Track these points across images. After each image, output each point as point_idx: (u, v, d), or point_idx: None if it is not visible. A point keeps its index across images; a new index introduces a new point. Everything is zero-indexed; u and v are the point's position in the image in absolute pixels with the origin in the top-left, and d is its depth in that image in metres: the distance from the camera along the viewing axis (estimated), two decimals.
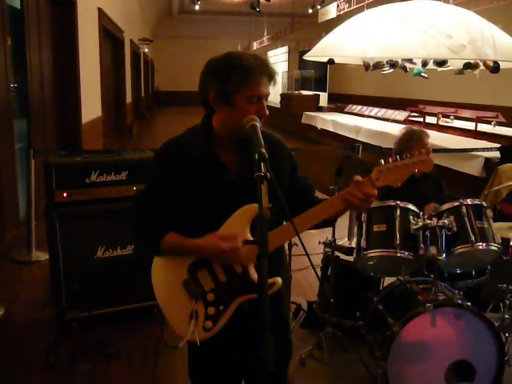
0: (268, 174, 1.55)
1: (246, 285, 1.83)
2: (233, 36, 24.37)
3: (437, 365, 2.78)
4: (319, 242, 3.40)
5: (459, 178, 6.75)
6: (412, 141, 3.50)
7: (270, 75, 1.79)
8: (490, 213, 2.99)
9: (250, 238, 1.82)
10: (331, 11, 12.99)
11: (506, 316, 3.44)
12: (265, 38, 20.83)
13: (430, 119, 10.73)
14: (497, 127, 9.24)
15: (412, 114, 11.32)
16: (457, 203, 2.94)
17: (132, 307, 3.72)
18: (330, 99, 18.55)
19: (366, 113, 12.73)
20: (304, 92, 18.81)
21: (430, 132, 9.15)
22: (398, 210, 2.90)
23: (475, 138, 8.76)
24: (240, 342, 2.00)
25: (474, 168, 6.50)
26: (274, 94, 20.85)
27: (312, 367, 3.32)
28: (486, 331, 2.75)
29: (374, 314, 3.07)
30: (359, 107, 13.43)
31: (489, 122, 9.46)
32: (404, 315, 2.72)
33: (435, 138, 8.44)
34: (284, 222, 1.89)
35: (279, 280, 1.84)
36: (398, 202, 2.94)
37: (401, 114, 11.03)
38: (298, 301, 3.91)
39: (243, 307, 1.87)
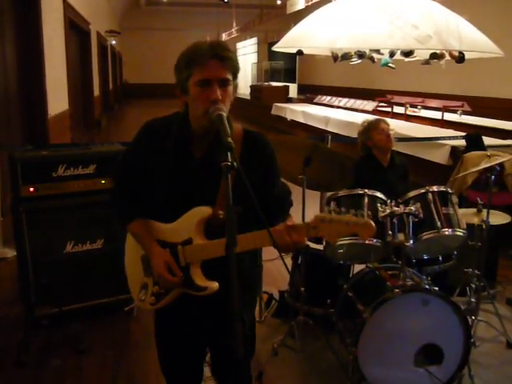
0: (235, 163, 1.54)
1: (185, 279, 1.87)
2: (201, 27, 24.18)
3: (406, 349, 2.83)
4: None
5: (427, 166, 6.84)
6: (370, 130, 3.61)
7: (220, 57, 1.73)
8: (455, 199, 3.05)
9: (200, 238, 1.85)
10: (299, 2, 12.98)
11: (473, 299, 3.53)
12: (233, 30, 20.74)
13: (398, 109, 10.83)
14: (463, 116, 9.39)
15: (380, 104, 11.42)
16: (423, 190, 2.99)
17: (103, 302, 3.70)
18: (300, 90, 18.60)
19: (336, 103, 12.81)
20: (274, 83, 18.80)
21: (398, 122, 9.22)
22: (366, 198, 2.94)
23: (442, 127, 8.88)
24: (206, 327, 2.04)
25: (440, 156, 6.59)
26: (244, 86, 20.82)
27: (284, 356, 3.35)
28: (453, 315, 2.81)
29: (344, 302, 3.11)
30: (328, 98, 13.50)
31: (455, 111, 9.60)
32: (373, 301, 2.76)
33: (403, 128, 8.55)
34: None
35: (214, 285, 1.84)
36: (366, 190, 2.98)
37: (369, 104, 11.13)
38: (269, 290, 3.94)
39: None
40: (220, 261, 1.71)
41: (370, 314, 2.72)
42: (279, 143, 3.23)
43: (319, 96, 14.38)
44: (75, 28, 11.09)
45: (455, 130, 8.23)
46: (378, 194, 3.00)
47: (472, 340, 3.30)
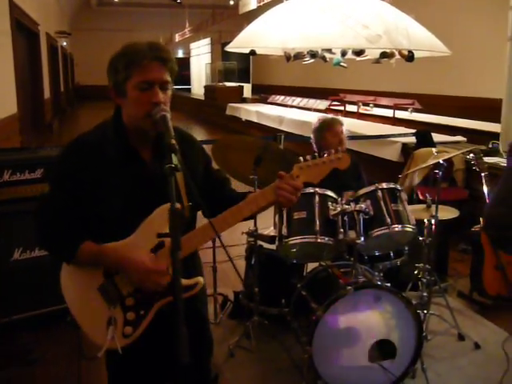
0: (179, 165, 1.52)
1: (167, 287, 1.75)
2: (154, 28, 23.94)
3: (360, 345, 2.85)
4: (242, 233, 3.41)
5: (379, 163, 6.95)
6: (324, 130, 3.62)
7: (161, 59, 1.71)
8: (404, 196, 3.10)
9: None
10: (251, 2, 13.02)
11: (424, 294, 3.59)
12: (186, 30, 20.62)
13: (350, 107, 10.98)
14: (413, 114, 9.59)
15: (333, 103, 11.55)
16: (373, 188, 3.02)
17: (54, 310, 3.59)
18: (254, 90, 18.63)
19: (289, 103, 12.89)
20: (228, 84, 18.78)
21: (350, 120, 9.32)
22: (317, 197, 2.95)
23: (393, 125, 9.05)
24: (159, 346, 1.94)
25: (392, 153, 6.71)
26: (198, 87, 20.74)
27: (241, 357, 3.34)
28: (405, 310, 2.84)
29: (298, 301, 3.12)
30: (282, 97, 13.57)
31: (406, 109, 9.80)
32: (326, 299, 2.77)
33: (356, 126, 8.67)
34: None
35: (201, 280, 1.82)
36: (317, 189, 2.98)
37: (322, 104, 11.24)
38: (224, 292, 3.92)
39: (163, 309, 1.81)
40: (187, 258, 1.75)
41: (323, 312, 2.73)
42: (229, 144, 3.22)
43: (273, 96, 14.45)
44: (23, 29, 10.79)
45: (406, 127, 8.40)
46: (329, 193, 3.02)
47: (424, 334, 3.37)
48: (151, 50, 1.70)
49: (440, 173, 3.35)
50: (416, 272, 3.71)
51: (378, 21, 8.01)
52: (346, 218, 2.93)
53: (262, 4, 12.17)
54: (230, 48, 10.21)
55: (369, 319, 2.84)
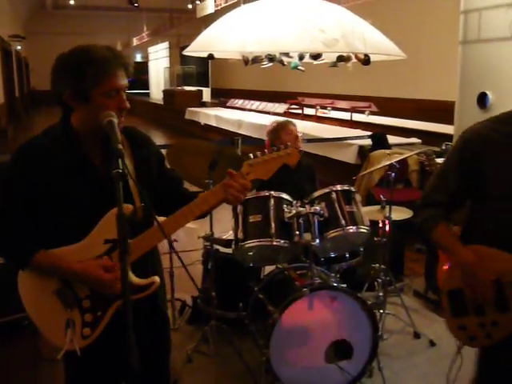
0: (126, 170, 1.51)
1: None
2: (112, 32, 23.69)
3: (317, 346, 2.88)
4: (198, 237, 3.39)
5: (336, 165, 7.04)
6: (277, 131, 3.66)
7: (125, 66, 1.74)
8: (358, 197, 3.14)
9: None
10: (209, 6, 13.00)
11: (380, 294, 3.65)
12: (144, 34, 20.46)
13: (309, 111, 11.08)
14: (370, 116, 9.74)
15: (291, 106, 11.63)
16: (327, 190, 3.05)
17: (6, 320, 3.51)
18: (214, 94, 18.62)
19: (248, 106, 12.93)
20: (187, 88, 18.70)
21: (308, 123, 9.42)
22: (272, 200, 2.96)
23: (351, 127, 9.17)
24: (118, 346, 1.94)
25: (349, 155, 6.80)
26: (157, 91, 20.58)
27: (199, 362, 3.32)
28: (360, 310, 2.88)
29: (255, 304, 3.12)
30: (241, 101, 13.61)
31: (363, 112, 9.94)
32: (283, 302, 2.78)
33: (314, 129, 8.76)
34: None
35: (157, 279, 1.82)
36: (272, 192, 3.00)
37: (280, 107, 11.31)
38: (182, 297, 3.89)
39: (121, 310, 1.80)
40: (146, 258, 1.79)
41: (279, 315, 2.74)
42: (184, 148, 3.21)
43: (232, 99, 14.47)
44: None
45: (363, 129, 8.52)
46: (284, 196, 3.03)
47: (379, 333, 3.42)
48: (116, 58, 1.72)
49: (393, 174, 3.41)
50: (372, 272, 3.76)
51: (335, 25, 8.12)
52: (301, 220, 2.94)
53: (219, 8, 12.17)
54: (187, 52, 10.18)
55: (325, 320, 2.86)
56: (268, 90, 15.38)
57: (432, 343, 3.56)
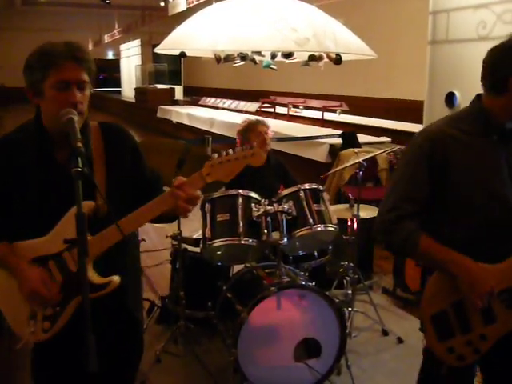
0: (85, 168, 1.49)
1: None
2: (83, 29, 23.32)
3: (285, 345, 2.87)
4: (167, 236, 3.36)
5: (307, 164, 7.05)
6: (248, 131, 3.65)
7: (77, 58, 1.69)
8: (326, 196, 3.15)
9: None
10: (181, 4, 12.91)
11: (349, 291, 3.66)
12: (116, 31, 20.23)
13: (281, 110, 11.09)
14: (341, 115, 9.79)
15: (264, 105, 11.63)
16: (295, 189, 3.05)
17: None
18: (186, 92, 18.51)
19: (220, 105, 12.88)
20: (159, 86, 18.56)
21: (280, 122, 9.42)
22: (240, 199, 2.95)
23: (322, 126, 9.20)
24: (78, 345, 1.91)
25: (320, 154, 6.81)
26: (129, 89, 20.36)
27: (167, 362, 3.29)
28: (328, 308, 2.88)
29: (223, 303, 3.11)
30: (213, 99, 13.55)
31: (334, 111, 9.99)
32: (251, 301, 2.78)
33: (286, 128, 8.77)
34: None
35: (115, 278, 1.78)
36: (240, 191, 2.99)
37: (252, 106, 11.30)
38: (151, 297, 3.86)
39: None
40: (113, 253, 1.74)
41: (247, 314, 2.73)
42: (151, 146, 3.18)
43: (204, 98, 14.40)
44: None
45: (334, 128, 8.55)
46: (252, 194, 3.02)
47: (348, 331, 3.44)
48: (67, 50, 1.69)
49: (360, 172, 3.42)
50: (341, 270, 3.77)
51: (307, 24, 8.16)
52: (269, 219, 2.94)
53: (191, 6, 12.09)
54: (159, 49, 10.11)
55: (293, 318, 2.86)
56: (241, 88, 15.35)
57: (400, 340, 3.59)
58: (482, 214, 1.83)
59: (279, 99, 11.89)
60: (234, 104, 12.23)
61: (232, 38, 8.14)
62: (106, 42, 22.10)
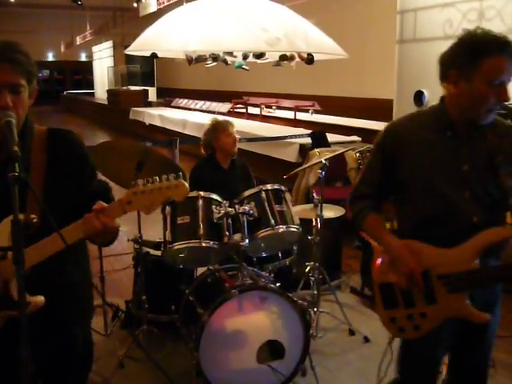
0: (22, 174, 1.43)
1: (6, 300, 1.64)
2: (54, 30, 23.12)
3: (248, 347, 2.84)
4: (128, 240, 3.31)
5: (278, 164, 7.05)
6: (218, 131, 3.61)
7: (11, 60, 1.63)
8: (288, 196, 3.13)
9: None
10: (152, 4, 12.85)
11: (315, 292, 3.65)
12: (88, 33, 20.03)
13: (254, 110, 11.08)
14: (314, 115, 9.81)
15: (236, 105, 11.60)
16: (257, 189, 3.03)
17: None
18: (160, 94, 18.40)
19: (192, 106, 12.84)
20: (132, 87, 18.42)
21: (253, 122, 9.41)
22: (201, 201, 2.92)
23: (295, 126, 9.21)
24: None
25: (290, 154, 6.82)
26: (102, 91, 20.18)
27: (131, 367, 3.25)
28: (291, 309, 2.86)
29: (186, 306, 3.07)
30: (185, 101, 13.50)
31: (307, 111, 10.00)
32: (212, 304, 2.74)
33: (258, 128, 8.75)
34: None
35: (39, 299, 1.66)
36: (201, 193, 2.96)
37: (224, 106, 11.28)
38: (115, 302, 3.80)
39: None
40: (42, 271, 1.63)
41: (208, 317, 2.70)
42: (110, 148, 3.12)
43: (176, 99, 14.33)
44: None
45: (307, 128, 8.56)
46: (214, 196, 2.99)
47: (313, 332, 3.43)
48: (1, 50, 1.62)
49: (323, 173, 3.41)
50: (307, 271, 3.76)
51: (277, 24, 8.14)
52: (230, 220, 2.91)
53: (162, 6, 12.02)
54: (129, 51, 10.00)
55: (256, 321, 2.84)
56: (214, 89, 15.30)
57: (366, 339, 3.58)
58: (424, 208, 1.95)
59: (252, 100, 11.88)
60: (206, 105, 12.20)
61: (203, 39, 8.09)
62: (78, 43, 21.88)
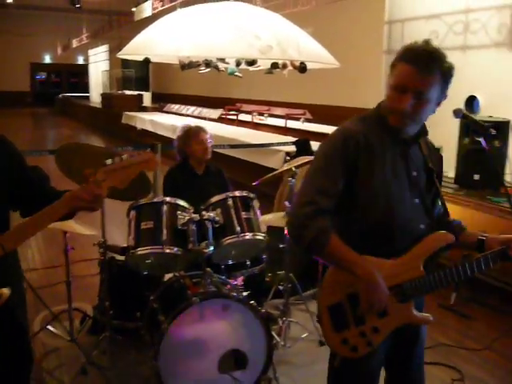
0: None
1: None
2: (51, 32, 23.13)
3: (210, 357, 2.79)
4: (94, 244, 3.25)
5: (264, 172, 7.00)
6: (189, 137, 3.58)
7: None
8: (257, 204, 3.09)
9: None
10: (147, 9, 12.86)
11: (285, 301, 3.60)
12: (84, 36, 20.05)
13: (246, 117, 11.07)
14: (305, 123, 9.79)
15: (228, 112, 11.60)
16: (223, 196, 3.00)
17: None
18: (156, 99, 18.39)
19: (184, 111, 12.83)
20: (128, 92, 18.40)
21: (242, 129, 9.44)
22: (165, 206, 2.89)
23: (285, 134, 9.19)
24: None
25: (275, 162, 6.80)
26: (97, 95, 20.17)
27: (94, 374, 3.19)
28: (254, 318, 2.81)
29: (150, 313, 3.01)
30: (177, 106, 13.49)
31: (298, 119, 9.98)
32: (172, 312, 2.70)
33: (245, 135, 8.75)
34: None
35: (5, 291, 1.70)
36: (167, 198, 2.92)
37: (215, 113, 11.27)
38: (83, 307, 3.75)
39: None
40: None
41: (167, 325, 2.65)
42: (74, 150, 3.07)
43: (169, 104, 14.33)
44: None
45: (297, 136, 8.53)
46: (180, 202, 2.95)
47: (280, 341, 3.39)
48: None
49: (293, 180, 3.38)
50: (277, 279, 3.72)
51: (270, 32, 8.14)
52: (194, 227, 2.87)
53: (156, 11, 12.02)
54: (121, 54, 9.96)
55: (218, 329, 2.78)
56: (209, 95, 15.29)
57: None
58: (377, 215, 1.87)
59: (245, 106, 11.87)
60: (197, 111, 12.19)
61: (196, 44, 8.08)
62: (74, 46, 21.90)
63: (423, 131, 1.94)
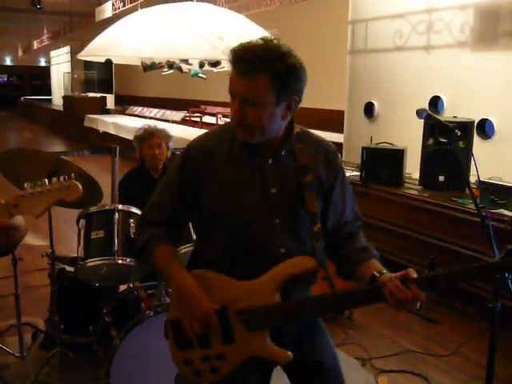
0: None
1: None
2: (11, 34, 22.53)
3: (165, 374, 2.62)
4: (42, 256, 3.07)
5: None
6: (141, 140, 3.40)
7: None
8: None
9: None
10: (107, 10, 12.61)
11: None
12: (45, 37, 19.61)
13: (211, 119, 10.93)
14: None
15: (192, 114, 11.45)
16: None
17: None
18: (119, 101, 18.09)
19: (147, 114, 12.62)
20: (91, 94, 18.06)
21: (205, 131, 9.24)
22: (117, 214, 2.73)
23: None
24: None
25: None
26: (59, 97, 19.75)
27: None
28: None
29: (103, 328, 2.85)
30: (140, 108, 13.28)
31: None
32: (125, 326, 2.55)
33: None
34: None
35: None
36: (118, 206, 2.77)
37: (178, 115, 11.12)
38: (35, 321, 3.54)
39: None
40: None
41: (119, 341, 2.50)
42: (20, 155, 2.90)
43: (131, 107, 14.11)
44: None
45: None
46: (134, 210, 2.80)
47: None
48: None
49: None
50: None
51: (232, 33, 8.03)
52: None
53: (117, 12, 11.80)
54: (81, 56, 9.70)
55: None
56: (174, 97, 15.10)
57: None
58: (231, 235, 1.72)
59: (210, 109, 11.74)
60: (161, 113, 12.00)
61: (158, 45, 7.90)
62: (35, 48, 21.42)
63: (285, 143, 1.73)
